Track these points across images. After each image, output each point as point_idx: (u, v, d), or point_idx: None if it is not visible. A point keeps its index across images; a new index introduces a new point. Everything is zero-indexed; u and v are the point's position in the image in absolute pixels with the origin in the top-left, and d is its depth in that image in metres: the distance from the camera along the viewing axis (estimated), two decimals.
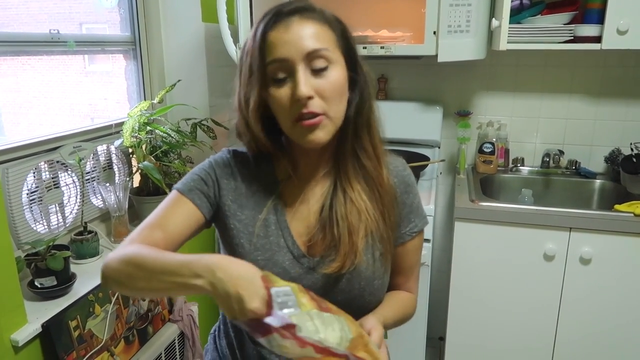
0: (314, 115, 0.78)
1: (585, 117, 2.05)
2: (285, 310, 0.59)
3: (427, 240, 1.70)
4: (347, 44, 0.84)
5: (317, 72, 0.78)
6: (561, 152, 2.06)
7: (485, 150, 2.05)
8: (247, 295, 0.63)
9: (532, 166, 2.13)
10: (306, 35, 0.78)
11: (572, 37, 1.73)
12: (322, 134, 0.80)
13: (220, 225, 0.91)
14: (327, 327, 0.61)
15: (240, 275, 0.65)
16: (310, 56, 0.77)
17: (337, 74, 0.80)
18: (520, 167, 2.12)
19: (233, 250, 0.89)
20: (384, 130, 0.90)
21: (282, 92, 0.78)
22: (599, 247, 1.64)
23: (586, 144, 2.08)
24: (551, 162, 2.05)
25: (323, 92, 0.78)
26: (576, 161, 2.06)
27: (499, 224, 1.71)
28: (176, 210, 0.87)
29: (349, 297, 0.86)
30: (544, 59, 2.03)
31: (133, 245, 0.78)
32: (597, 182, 2.00)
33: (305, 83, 0.77)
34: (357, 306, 0.86)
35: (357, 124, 0.85)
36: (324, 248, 0.86)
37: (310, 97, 0.77)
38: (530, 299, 1.74)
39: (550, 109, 2.09)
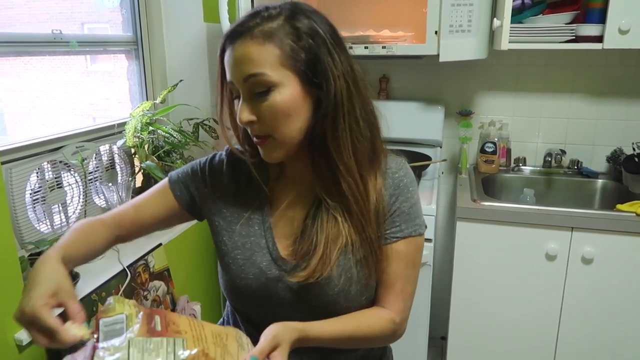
0: (258, 137, 0.79)
1: (587, 117, 2.05)
2: (103, 344, 0.61)
3: (429, 240, 1.70)
4: (304, 57, 0.77)
5: (258, 97, 0.76)
6: (563, 152, 2.06)
7: (487, 149, 2.05)
8: (23, 301, 0.66)
9: (534, 166, 2.13)
10: (243, 60, 0.75)
11: (574, 37, 1.74)
12: (271, 154, 0.81)
13: (208, 222, 0.94)
14: (145, 353, 0.61)
15: (35, 282, 0.68)
16: (247, 82, 0.76)
17: (280, 96, 0.76)
18: (522, 167, 2.12)
19: (218, 247, 0.92)
20: (374, 140, 0.84)
21: (238, 111, 0.79)
22: (601, 247, 1.64)
23: (588, 143, 2.08)
24: (553, 161, 2.05)
25: (264, 117, 0.77)
26: (578, 161, 2.06)
27: (500, 224, 1.71)
28: (156, 196, 0.95)
29: (323, 302, 0.84)
30: (545, 58, 2.04)
31: (95, 219, 0.89)
32: (599, 181, 2.00)
33: (243, 110, 0.77)
34: (333, 311, 0.84)
35: (320, 139, 0.80)
36: (301, 255, 0.84)
37: (251, 122, 0.78)
38: (532, 298, 1.74)
39: (552, 108, 2.09)
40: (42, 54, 1.49)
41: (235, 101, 0.81)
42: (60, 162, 1.43)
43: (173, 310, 1.61)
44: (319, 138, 0.80)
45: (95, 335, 0.62)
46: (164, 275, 1.56)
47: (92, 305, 1.28)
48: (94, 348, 0.60)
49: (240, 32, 0.76)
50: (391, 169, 0.88)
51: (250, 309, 0.92)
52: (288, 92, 0.77)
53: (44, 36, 1.44)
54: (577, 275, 1.68)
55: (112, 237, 0.91)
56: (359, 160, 0.82)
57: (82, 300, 1.25)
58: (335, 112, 0.78)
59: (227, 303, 1.00)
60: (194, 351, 0.63)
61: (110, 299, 0.66)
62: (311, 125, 0.80)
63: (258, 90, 0.76)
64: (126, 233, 0.94)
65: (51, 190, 1.40)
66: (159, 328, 0.64)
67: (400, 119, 2.10)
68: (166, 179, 0.97)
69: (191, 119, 1.78)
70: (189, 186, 0.94)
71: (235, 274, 0.88)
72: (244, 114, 0.77)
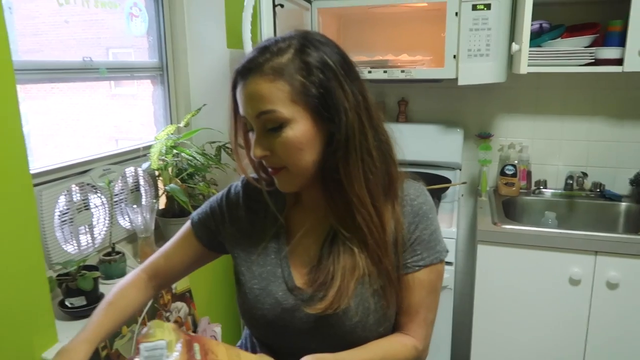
0: (273, 168, 0.81)
1: (608, 139, 2.04)
2: None
3: (450, 263, 1.69)
4: (315, 92, 0.76)
5: (271, 132, 0.77)
6: (584, 175, 2.04)
7: (507, 172, 2.04)
8: None
9: (555, 188, 2.11)
10: (255, 97, 0.76)
11: (593, 60, 1.74)
12: (285, 184, 0.82)
13: (231, 254, 0.96)
14: None
15: None
16: (260, 119, 0.77)
17: (293, 132, 0.76)
18: (543, 190, 2.10)
19: (237, 277, 0.92)
20: (388, 168, 0.84)
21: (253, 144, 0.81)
22: (626, 272, 1.61)
23: (610, 166, 2.06)
24: (574, 184, 2.03)
25: (277, 151, 0.78)
26: (600, 183, 2.03)
27: (522, 247, 1.69)
28: (181, 242, 0.99)
29: (341, 332, 0.83)
30: (565, 81, 2.04)
31: (130, 277, 0.98)
32: (623, 204, 1.97)
33: (257, 145, 0.78)
34: (351, 341, 0.84)
35: (332, 171, 0.80)
36: (318, 285, 0.83)
37: (265, 156, 0.79)
38: (556, 324, 1.71)
39: (572, 131, 2.08)
40: (72, 80, 1.55)
41: (250, 133, 0.82)
42: (88, 184, 1.47)
43: (194, 331, 1.62)
44: (331, 171, 0.79)
45: (136, 359, 0.63)
46: (185, 296, 1.57)
47: None
48: None
49: (250, 68, 0.77)
50: (409, 196, 0.87)
51: (267, 338, 0.92)
52: (300, 128, 0.77)
53: (76, 63, 1.49)
54: (602, 301, 1.65)
55: (148, 293, 0.99)
56: (373, 192, 0.81)
57: None
58: (347, 146, 0.78)
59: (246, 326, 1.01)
60: None
61: (150, 324, 0.68)
62: (324, 157, 0.80)
63: (270, 126, 0.77)
64: (162, 282, 1.00)
65: (79, 212, 1.43)
66: (198, 357, 0.65)
67: (420, 142, 2.11)
68: (189, 222, 1.00)
69: (213, 142, 1.81)
70: (209, 226, 0.96)
71: (252, 304, 0.88)
72: (258, 150, 0.79)
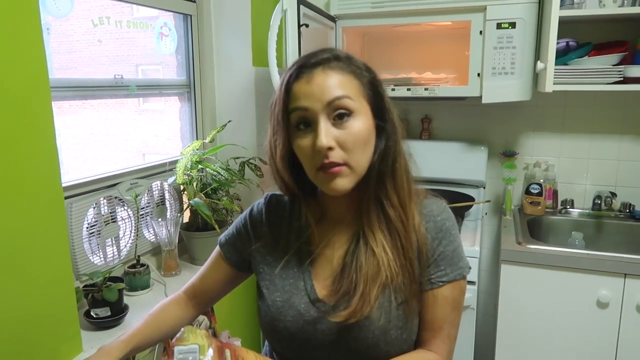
0: (335, 164, 0.78)
1: (638, 159, 1.99)
2: None
3: (472, 283, 1.66)
4: (374, 92, 0.83)
5: (338, 123, 0.78)
6: (613, 194, 1.99)
7: (532, 191, 2.01)
8: None
9: (582, 208, 2.06)
10: (328, 85, 0.78)
11: (622, 78, 1.71)
12: (343, 183, 0.80)
13: (254, 270, 0.97)
14: None
15: None
16: (332, 105, 0.77)
17: (360, 124, 0.79)
18: (570, 209, 2.06)
19: (259, 291, 0.94)
20: (412, 177, 0.87)
21: (305, 142, 0.80)
22: None
23: None
24: (603, 204, 1.99)
25: (344, 143, 0.78)
26: (630, 204, 1.98)
27: (548, 268, 1.66)
28: (214, 265, 1.03)
29: (363, 345, 0.83)
30: (592, 99, 2.01)
31: (172, 297, 1.04)
32: None
33: (326, 134, 0.77)
34: (373, 356, 0.84)
35: (381, 172, 0.83)
36: (341, 294, 0.84)
37: (330, 148, 0.77)
38: (584, 348, 1.66)
39: (600, 150, 2.04)
40: (104, 97, 1.60)
41: (299, 135, 0.80)
42: (116, 197, 1.51)
43: None
44: (378, 172, 0.83)
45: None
46: (207, 309, 1.59)
47: None
48: None
49: (315, 62, 0.80)
50: (432, 212, 0.88)
51: (289, 351, 0.92)
52: (365, 121, 0.80)
53: (108, 81, 1.55)
54: (631, 325, 1.60)
55: (189, 311, 1.03)
56: (406, 194, 0.85)
57: None
58: (389, 145, 0.83)
59: (267, 341, 1.02)
60: None
61: (183, 329, 0.70)
62: (373, 158, 0.83)
63: (340, 116, 0.78)
64: (201, 302, 1.04)
65: (106, 225, 1.47)
66: None
67: (443, 159, 2.10)
68: (217, 246, 1.03)
69: (237, 158, 1.84)
70: (237, 247, 0.99)
71: (274, 317, 0.89)
72: (326, 139, 0.77)
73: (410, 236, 0.85)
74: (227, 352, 0.68)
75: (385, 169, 0.83)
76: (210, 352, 0.66)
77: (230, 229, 1.02)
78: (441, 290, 0.86)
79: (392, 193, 0.84)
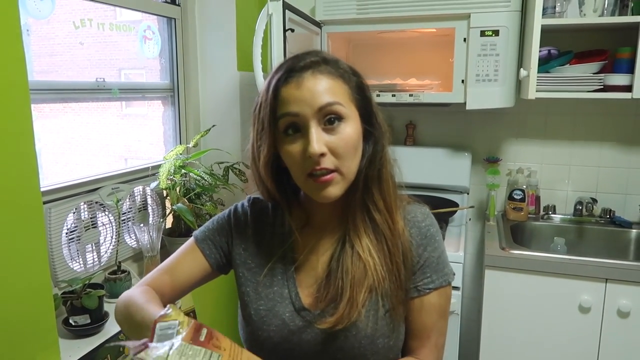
0: (326, 171, 0.76)
1: (618, 165, 2.03)
2: (154, 344, 0.65)
3: (456, 288, 1.67)
4: (362, 96, 0.82)
5: (329, 128, 0.76)
6: (594, 200, 2.02)
7: (515, 197, 2.03)
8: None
9: (564, 214, 2.09)
10: (318, 90, 0.76)
11: (602, 86, 1.74)
12: (335, 190, 0.78)
13: (235, 273, 0.93)
14: (182, 357, 0.64)
15: None
16: (322, 111, 0.76)
17: (350, 129, 0.78)
18: (552, 215, 2.08)
19: (241, 298, 0.90)
20: (398, 183, 0.87)
21: (294, 148, 0.77)
22: (637, 300, 1.58)
23: (620, 192, 2.04)
24: (584, 210, 2.01)
25: (335, 149, 0.76)
26: (610, 210, 2.01)
27: (531, 273, 1.67)
28: (186, 258, 0.94)
29: (350, 355, 0.81)
30: (574, 107, 2.04)
31: (139, 288, 0.88)
32: (633, 231, 1.94)
33: (317, 140, 0.75)
34: None
35: (368, 177, 0.83)
36: (327, 301, 0.82)
37: (322, 154, 0.75)
38: (566, 352, 1.68)
39: (581, 156, 2.07)
40: (85, 100, 1.58)
41: (288, 141, 0.78)
42: (97, 202, 1.48)
43: None
44: (365, 177, 0.82)
45: (150, 335, 0.66)
46: (189, 316, 1.57)
47: (119, 345, 1.29)
48: (146, 346, 0.64)
49: (304, 66, 0.78)
50: (416, 218, 0.87)
51: None
52: (355, 127, 0.79)
53: (89, 84, 1.52)
54: (613, 329, 1.61)
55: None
56: (392, 199, 0.85)
57: (109, 339, 1.27)
58: (377, 150, 0.83)
59: None
60: None
61: (169, 306, 0.70)
62: (361, 164, 0.82)
63: (330, 121, 0.76)
64: (167, 300, 0.92)
65: (86, 230, 1.44)
66: (202, 339, 0.67)
67: (427, 165, 2.11)
68: (192, 239, 0.95)
69: (222, 163, 1.83)
70: (216, 242, 0.94)
71: (257, 326, 0.86)
72: (318, 145, 0.75)
73: (397, 241, 0.83)
74: (204, 331, 0.68)
75: (373, 174, 0.83)
76: (189, 327, 0.67)
77: (208, 225, 0.96)
78: (428, 298, 0.85)
79: (379, 198, 0.83)
